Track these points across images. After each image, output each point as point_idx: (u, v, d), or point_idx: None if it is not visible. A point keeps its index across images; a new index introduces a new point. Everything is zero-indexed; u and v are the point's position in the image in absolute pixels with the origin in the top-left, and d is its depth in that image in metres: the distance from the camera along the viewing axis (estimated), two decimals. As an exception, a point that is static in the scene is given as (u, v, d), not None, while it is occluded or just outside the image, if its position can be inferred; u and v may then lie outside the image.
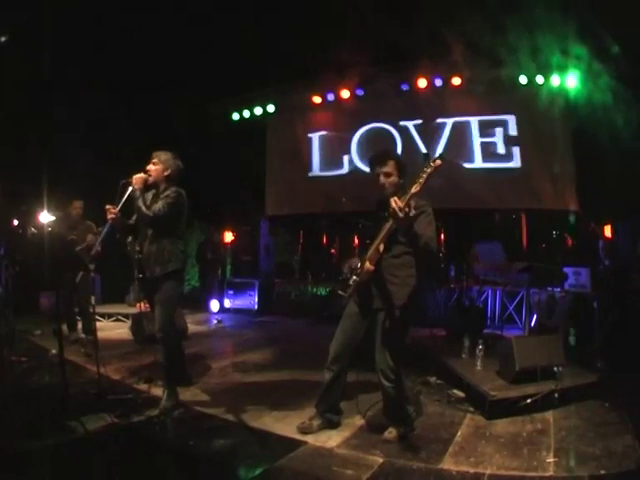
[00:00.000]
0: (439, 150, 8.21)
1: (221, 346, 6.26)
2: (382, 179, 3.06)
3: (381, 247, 2.93)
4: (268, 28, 8.13)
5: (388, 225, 2.86)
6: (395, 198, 2.72)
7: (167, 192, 3.63)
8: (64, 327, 5.45)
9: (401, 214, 2.63)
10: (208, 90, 9.29)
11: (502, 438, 3.14)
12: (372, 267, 2.94)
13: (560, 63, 7.10)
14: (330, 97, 9.05)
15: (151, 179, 3.66)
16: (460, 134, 8.29)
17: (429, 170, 2.69)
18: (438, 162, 2.70)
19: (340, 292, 3.13)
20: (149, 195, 3.71)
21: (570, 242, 7.80)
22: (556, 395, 3.57)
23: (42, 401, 3.47)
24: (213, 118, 9.77)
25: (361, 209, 8.16)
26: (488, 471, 2.69)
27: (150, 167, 3.67)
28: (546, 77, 7.44)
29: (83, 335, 5.74)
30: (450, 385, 4.16)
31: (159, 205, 3.54)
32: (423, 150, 8.41)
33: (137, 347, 5.50)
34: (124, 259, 6.73)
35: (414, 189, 2.70)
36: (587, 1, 6.12)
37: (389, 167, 3.05)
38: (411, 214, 2.67)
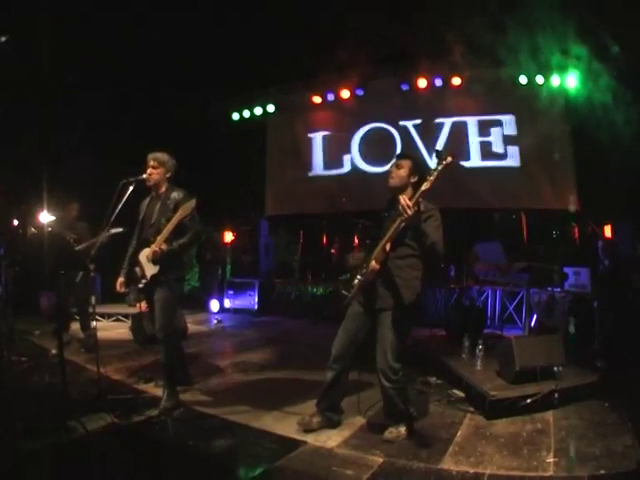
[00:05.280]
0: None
1: (221, 346, 6.25)
2: (393, 168, 3.15)
3: (387, 247, 2.93)
4: (268, 28, 8.12)
5: (396, 224, 2.87)
6: (404, 196, 2.76)
7: (175, 197, 3.59)
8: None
9: (410, 211, 2.67)
10: (208, 90, 9.29)
11: (502, 438, 3.14)
12: (378, 266, 2.94)
13: (560, 63, 7.10)
14: (330, 97, 9.06)
15: (152, 182, 3.66)
16: (459, 134, 8.29)
17: (440, 168, 2.70)
18: (449, 159, 2.70)
19: (344, 292, 3.12)
20: (145, 201, 3.74)
21: (573, 240, 7.78)
22: (556, 395, 3.57)
23: (42, 401, 3.47)
24: (213, 118, 9.77)
25: (361, 209, 8.18)
26: (488, 471, 2.69)
27: (151, 171, 3.64)
28: (546, 77, 7.44)
29: (81, 335, 5.73)
30: (450, 385, 4.16)
31: (191, 226, 3.52)
32: (423, 150, 8.42)
33: (137, 347, 5.50)
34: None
35: (424, 187, 2.72)
36: (587, 1, 6.12)
37: (404, 163, 3.13)
38: (419, 211, 2.71)
